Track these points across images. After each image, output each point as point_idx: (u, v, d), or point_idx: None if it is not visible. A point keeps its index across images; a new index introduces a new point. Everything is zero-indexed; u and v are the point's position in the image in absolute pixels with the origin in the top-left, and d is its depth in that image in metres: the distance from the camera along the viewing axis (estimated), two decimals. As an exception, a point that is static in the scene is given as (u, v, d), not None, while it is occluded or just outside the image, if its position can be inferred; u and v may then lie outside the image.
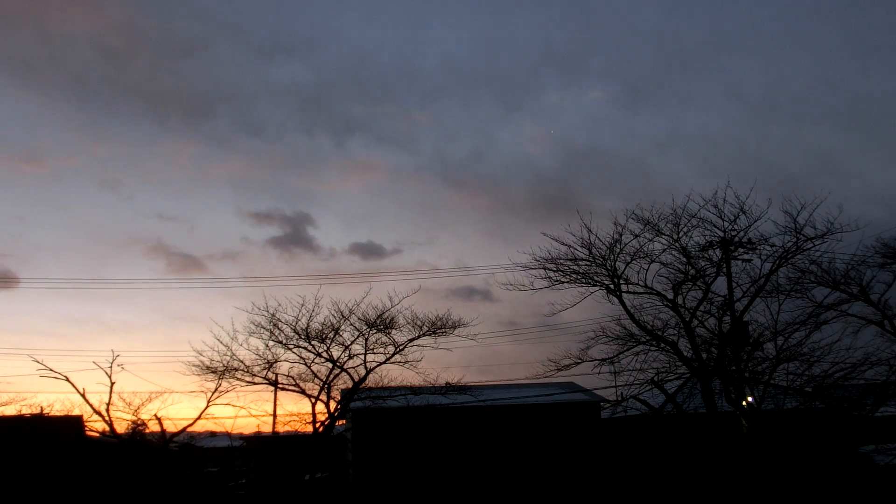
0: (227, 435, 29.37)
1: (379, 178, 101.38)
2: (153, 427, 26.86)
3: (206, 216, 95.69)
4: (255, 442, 32.63)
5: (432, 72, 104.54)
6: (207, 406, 26.02)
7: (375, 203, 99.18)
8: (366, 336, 26.12)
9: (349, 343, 26.19)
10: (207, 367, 25.60)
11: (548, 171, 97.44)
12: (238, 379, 25.98)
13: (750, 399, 22.02)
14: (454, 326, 26.61)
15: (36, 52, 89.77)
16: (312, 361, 26.30)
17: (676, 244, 22.50)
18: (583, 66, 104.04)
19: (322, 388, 26.23)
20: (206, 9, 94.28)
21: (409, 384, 27.57)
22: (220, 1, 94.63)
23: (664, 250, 22.70)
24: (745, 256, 22.80)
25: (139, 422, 26.79)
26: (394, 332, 26.30)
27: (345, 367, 26.28)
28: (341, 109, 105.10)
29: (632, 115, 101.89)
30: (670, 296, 22.80)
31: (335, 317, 26.01)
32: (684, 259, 22.64)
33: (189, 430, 27.09)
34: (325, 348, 26.16)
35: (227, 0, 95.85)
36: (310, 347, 26.09)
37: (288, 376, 26.61)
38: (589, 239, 22.59)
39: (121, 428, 26.67)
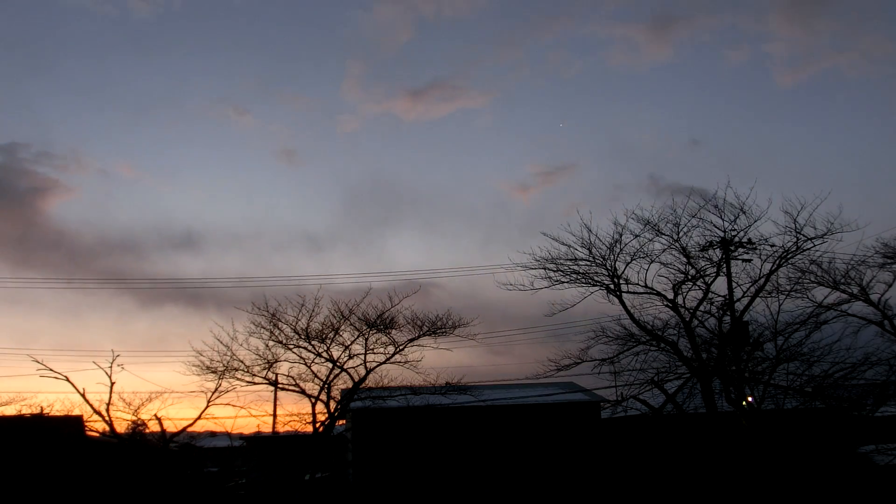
0: (227, 435, 29.46)
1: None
2: (153, 427, 26.94)
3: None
4: (255, 442, 32.59)
5: None
6: (207, 406, 26.08)
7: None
8: (366, 336, 26.11)
9: (349, 343, 26.20)
10: (207, 367, 25.62)
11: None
12: (238, 379, 26.01)
13: (750, 399, 22.02)
14: (454, 326, 26.63)
15: None
16: (312, 361, 26.31)
17: (676, 244, 22.49)
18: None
19: (322, 388, 26.23)
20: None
21: (409, 384, 27.57)
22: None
23: (664, 250, 22.69)
24: (745, 256, 22.80)
25: (139, 422, 26.87)
26: (394, 332, 26.32)
27: (345, 367, 26.28)
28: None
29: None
30: (670, 296, 22.79)
31: (335, 317, 26.03)
32: (684, 259, 22.63)
33: (189, 430, 27.15)
34: (325, 348, 26.16)
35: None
36: (310, 347, 26.09)
37: (288, 376, 26.63)
38: (589, 239, 22.58)
39: (121, 428, 26.76)
